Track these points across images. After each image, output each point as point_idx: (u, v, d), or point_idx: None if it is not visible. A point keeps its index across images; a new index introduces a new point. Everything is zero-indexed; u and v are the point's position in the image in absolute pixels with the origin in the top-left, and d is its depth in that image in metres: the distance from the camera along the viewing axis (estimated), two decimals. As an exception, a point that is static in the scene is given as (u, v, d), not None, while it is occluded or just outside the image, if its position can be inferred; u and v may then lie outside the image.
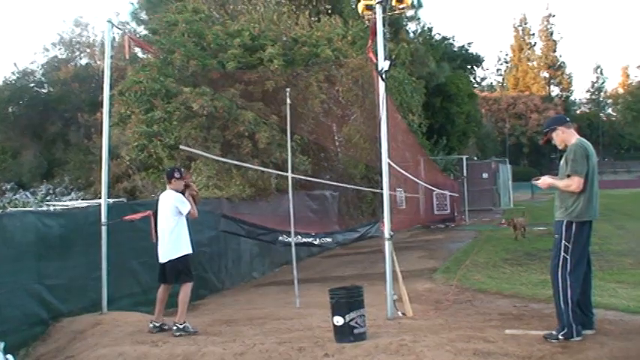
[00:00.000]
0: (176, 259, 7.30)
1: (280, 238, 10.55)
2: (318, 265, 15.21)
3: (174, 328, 7.07)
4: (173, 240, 7.32)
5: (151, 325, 7.31)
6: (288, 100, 9.81)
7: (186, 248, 7.40)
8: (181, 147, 12.13)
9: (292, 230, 9.93)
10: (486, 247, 15.30)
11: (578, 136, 5.97)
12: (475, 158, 40.62)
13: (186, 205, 7.39)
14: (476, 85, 54.78)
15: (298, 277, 9.81)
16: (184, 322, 7.11)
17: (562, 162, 5.94)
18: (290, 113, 9.92)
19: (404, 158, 16.01)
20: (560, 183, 5.85)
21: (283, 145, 13.91)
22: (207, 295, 11.69)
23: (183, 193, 7.53)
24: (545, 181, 6.02)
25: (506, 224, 15.70)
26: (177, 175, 7.50)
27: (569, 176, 5.75)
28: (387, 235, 7.32)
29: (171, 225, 7.33)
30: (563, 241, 5.70)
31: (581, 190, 5.70)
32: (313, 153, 18.21)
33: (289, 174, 10.17)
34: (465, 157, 28.85)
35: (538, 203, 35.89)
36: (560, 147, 6.05)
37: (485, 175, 32.25)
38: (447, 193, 23.39)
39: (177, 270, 7.29)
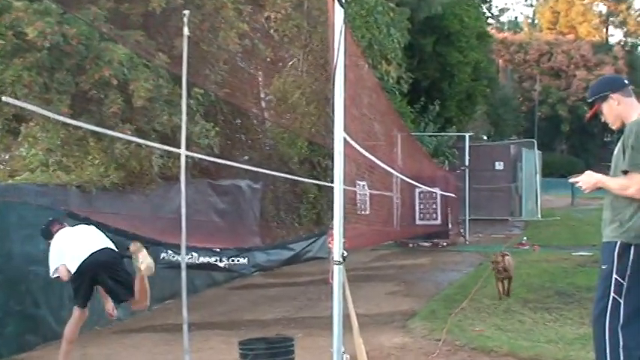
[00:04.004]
0: None
1: (163, 254, 10.69)
2: (224, 302, 15.24)
3: None
4: None
5: None
6: (186, 31, 9.74)
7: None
8: (4, 98, 11.91)
9: (183, 243, 9.80)
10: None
11: (644, 110, 6.06)
12: (485, 138, 41.28)
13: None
14: (491, 21, 55.53)
15: (190, 321, 9.72)
16: None
17: (617, 149, 6.03)
18: (188, 52, 9.85)
19: (371, 133, 15.97)
20: (613, 183, 5.95)
21: (175, 104, 13.88)
22: (39, 345, 11.56)
23: None
24: (589, 179, 6.11)
25: (492, 267, 14.63)
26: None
27: (626, 173, 5.83)
28: (337, 256, 7.36)
29: None
30: (615, 275, 5.80)
31: (644, 196, 5.81)
32: (224, 119, 18.19)
33: (182, 150, 10.05)
34: (467, 136, 29.05)
35: (581, 213, 36.54)
36: (613, 126, 6.21)
37: (499, 166, 32.65)
38: (438, 192, 23.63)
39: None
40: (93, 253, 9.48)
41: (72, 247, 9.60)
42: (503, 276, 13.75)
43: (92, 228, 10.12)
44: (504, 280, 13.81)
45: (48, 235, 9.92)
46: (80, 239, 9.73)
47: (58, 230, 9.86)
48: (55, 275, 9.67)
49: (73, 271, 9.43)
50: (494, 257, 14.12)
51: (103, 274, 9.54)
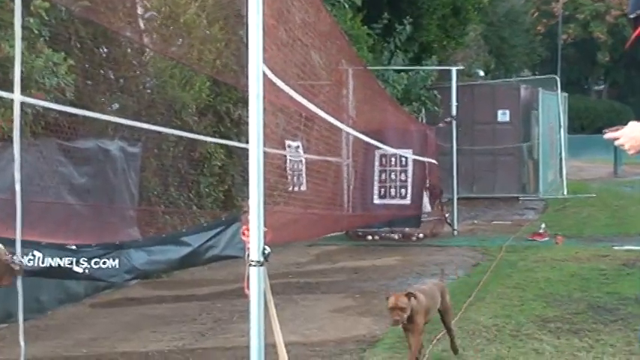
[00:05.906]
0: None
1: (-14, 255, 10.85)
2: (85, 325, 15.07)
3: None
4: None
5: None
6: None
7: None
8: None
9: (18, 237, 9.65)
10: (501, 291, 15.60)
11: None
12: (482, 74, 41.50)
13: None
14: None
15: (33, 354, 10.26)
16: None
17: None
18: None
19: (308, 68, 15.92)
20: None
21: (5, 25, 13.79)
22: None
23: None
24: (635, 133, 6.09)
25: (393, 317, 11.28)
26: None
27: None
28: (255, 254, 7.56)
29: None
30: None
31: None
32: (82, 46, 18.02)
33: (16, 95, 9.89)
34: (455, 70, 28.77)
35: (628, 187, 37.11)
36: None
37: (503, 116, 32.84)
38: (409, 156, 23.38)
39: None
40: None
41: None
42: (408, 327, 10.94)
43: None
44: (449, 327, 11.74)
45: None
46: None
47: None
48: None
49: None
50: (392, 299, 10.78)
51: None
